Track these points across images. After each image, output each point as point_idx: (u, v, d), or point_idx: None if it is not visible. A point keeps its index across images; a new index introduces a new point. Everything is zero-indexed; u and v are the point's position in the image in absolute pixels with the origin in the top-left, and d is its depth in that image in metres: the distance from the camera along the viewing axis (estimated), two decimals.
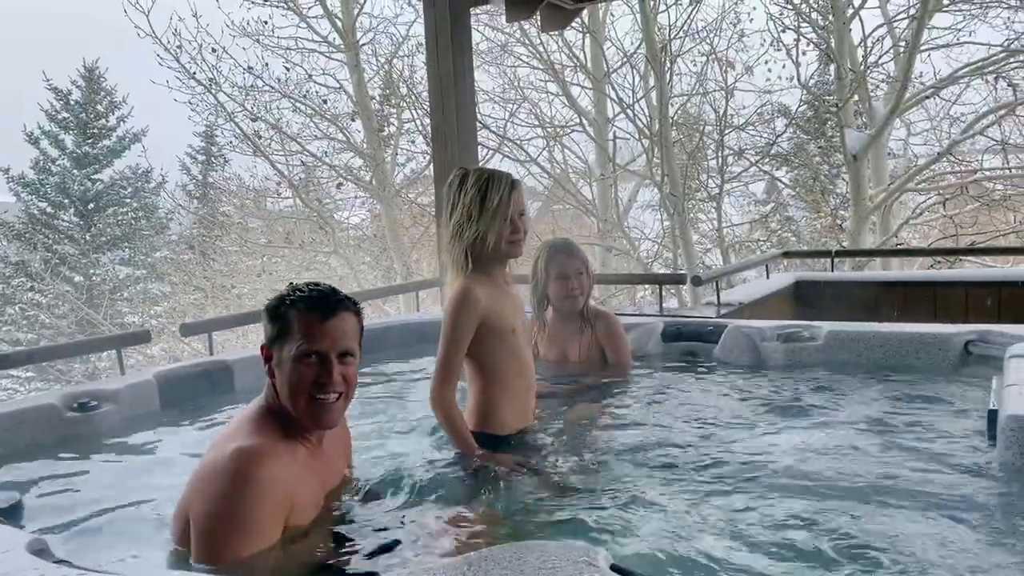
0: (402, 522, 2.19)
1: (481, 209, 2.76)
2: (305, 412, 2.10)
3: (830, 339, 3.94)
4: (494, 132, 14.36)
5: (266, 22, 14.85)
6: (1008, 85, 12.79)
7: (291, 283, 2.19)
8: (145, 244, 23.42)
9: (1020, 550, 1.91)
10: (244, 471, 1.89)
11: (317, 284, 2.18)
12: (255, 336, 15.00)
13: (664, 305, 5.62)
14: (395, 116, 16.80)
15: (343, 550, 2.04)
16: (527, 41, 14.37)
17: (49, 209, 22.76)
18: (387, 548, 2.01)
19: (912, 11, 12.37)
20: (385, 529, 2.15)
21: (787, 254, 9.30)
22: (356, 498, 2.32)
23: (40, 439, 3.21)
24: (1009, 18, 12.83)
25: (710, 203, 14.65)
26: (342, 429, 2.41)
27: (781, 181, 17.72)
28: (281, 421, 2.12)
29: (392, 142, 16.74)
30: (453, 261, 2.84)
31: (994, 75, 12.70)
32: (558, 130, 15.33)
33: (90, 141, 23.34)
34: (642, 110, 13.77)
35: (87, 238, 22.46)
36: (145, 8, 13.69)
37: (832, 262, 7.83)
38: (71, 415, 3.36)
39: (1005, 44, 12.53)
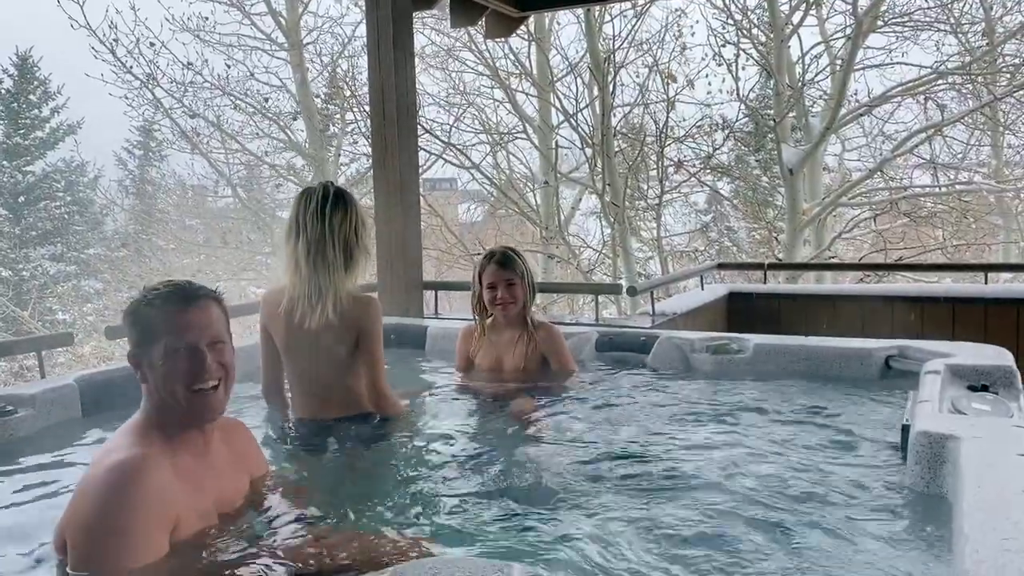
0: (302, 536, 2.12)
1: None
2: (186, 409, 2.02)
3: (758, 351, 4.02)
4: (438, 137, 14.30)
5: (207, 18, 14.62)
6: (936, 106, 13.26)
7: (144, 286, 2.13)
8: (78, 240, 22.79)
9: (918, 564, 1.97)
10: (121, 483, 1.81)
11: (172, 279, 2.12)
12: None
13: (603, 312, 5.68)
14: (339, 116, 16.66)
15: (239, 565, 1.94)
16: (473, 47, 14.36)
17: None
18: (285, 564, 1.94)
19: (848, 31, 12.74)
20: (290, 541, 2.09)
21: (721, 266, 9.44)
22: (264, 507, 2.25)
23: None
24: (939, 41, 13.35)
25: (651, 212, 14.83)
26: (240, 436, 2.35)
27: (721, 193, 18.03)
28: (162, 430, 2.03)
29: (335, 142, 16.58)
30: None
31: (923, 96, 13.16)
32: (503, 136, 15.34)
33: (22, 132, 22.64)
34: (586, 119, 13.87)
35: (16, 232, 21.78)
36: None
37: (765, 274, 7.96)
38: None
39: (934, 66, 13.01)
